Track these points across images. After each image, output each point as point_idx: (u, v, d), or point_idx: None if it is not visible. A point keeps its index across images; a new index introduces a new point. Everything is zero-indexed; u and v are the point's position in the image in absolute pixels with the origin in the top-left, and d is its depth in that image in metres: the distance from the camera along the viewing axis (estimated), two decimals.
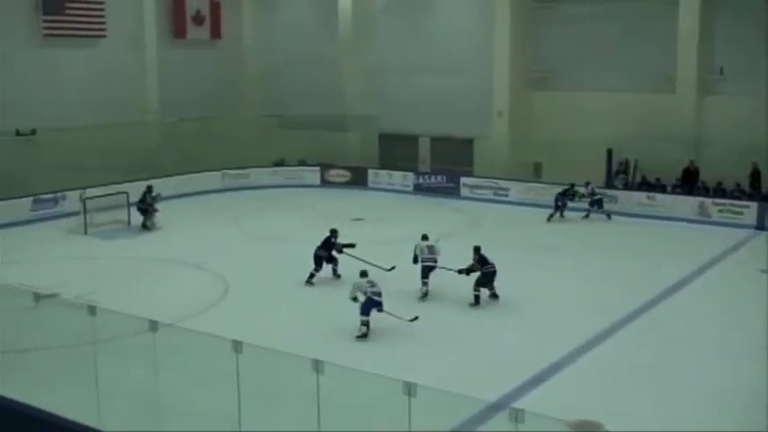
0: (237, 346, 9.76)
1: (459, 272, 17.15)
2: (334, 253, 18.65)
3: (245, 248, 22.66)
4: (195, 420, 11.10)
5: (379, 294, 14.82)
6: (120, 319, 11.44)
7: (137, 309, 12.00)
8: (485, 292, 16.94)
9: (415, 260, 17.74)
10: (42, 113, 27.58)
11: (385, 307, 14.78)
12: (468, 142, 31.68)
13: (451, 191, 30.28)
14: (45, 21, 29.42)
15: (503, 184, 29.22)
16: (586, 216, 25.84)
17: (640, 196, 26.69)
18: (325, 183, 32.60)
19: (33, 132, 26.67)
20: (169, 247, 22.42)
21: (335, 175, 32.74)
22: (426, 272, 17.46)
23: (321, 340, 14.41)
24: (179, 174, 29.98)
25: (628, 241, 23.25)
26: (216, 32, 35.69)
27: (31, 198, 26.00)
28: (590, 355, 14.02)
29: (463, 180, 30.28)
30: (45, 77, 28.74)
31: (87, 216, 24.12)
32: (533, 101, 30.68)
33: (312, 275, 18.41)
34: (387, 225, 25.44)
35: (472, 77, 31.14)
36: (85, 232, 23.96)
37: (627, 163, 28.18)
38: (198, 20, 35.04)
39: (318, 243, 18.57)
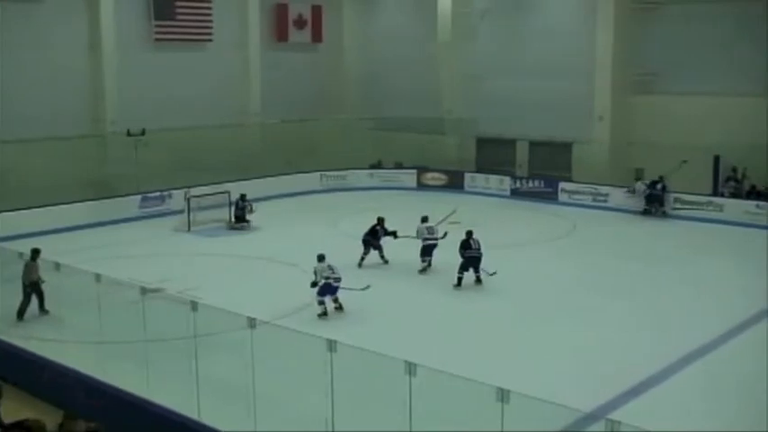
0: (332, 345, 9.90)
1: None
2: (382, 240, 20.47)
3: (341, 249, 22.78)
4: (289, 418, 11.33)
5: (338, 280, 16.47)
6: (220, 316, 11.74)
7: (235, 305, 12.28)
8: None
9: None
10: (152, 114, 28.55)
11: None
12: (567, 146, 31.19)
13: (549, 196, 29.90)
14: (157, 26, 30.55)
15: (602, 189, 28.67)
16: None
17: (749, 205, 25.73)
18: (421, 186, 32.68)
19: (143, 133, 27.60)
20: (268, 246, 22.90)
21: (432, 178, 32.77)
22: (428, 250, 19.73)
23: (415, 340, 14.45)
24: (279, 174, 30.63)
25: (734, 250, 22.45)
26: (317, 36, 36.28)
27: (139, 196, 27.04)
28: (692, 367, 13.63)
29: (561, 185, 29.86)
30: (155, 80, 29.79)
31: (191, 214, 24.90)
32: (635, 104, 29.92)
33: (362, 258, 20.46)
34: (483, 229, 25.15)
35: (573, 80, 30.65)
36: (189, 230, 24.73)
37: (736, 170, 27.18)
38: (300, 24, 35.69)
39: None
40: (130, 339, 13.12)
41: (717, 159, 27.04)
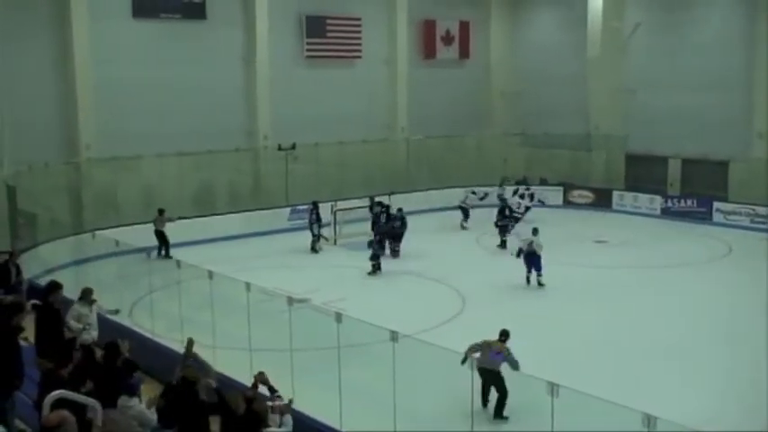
0: (473, 362, 9.90)
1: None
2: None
3: (484, 265, 22.84)
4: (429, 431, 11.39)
5: None
6: (363, 328, 11.95)
7: (379, 318, 12.47)
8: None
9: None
10: (302, 129, 29.48)
11: None
12: (723, 165, 29.75)
13: (703, 216, 28.71)
14: (308, 43, 31.49)
15: (761, 210, 27.22)
16: None
17: None
18: (567, 203, 32.11)
19: (293, 147, 28.50)
20: (411, 261, 23.10)
21: (578, 195, 32.16)
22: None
23: (558, 362, 14.20)
24: (424, 189, 30.85)
25: None
26: (464, 52, 36.37)
27: (288, 208, 27.88)
28: None
29: (716, 205, 28.62)
30: (305, 96, 30.67)
31: (337, 227, 25.44)
32: None
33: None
34: (632, 249, 24.62)
35: (730, 95, 29.25)
36: (335, 242, 25.27)
37: None
38: (447, 40, 35.89)
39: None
40: (277, 347, 13.55)
41: None
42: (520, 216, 26.64)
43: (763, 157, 28.52)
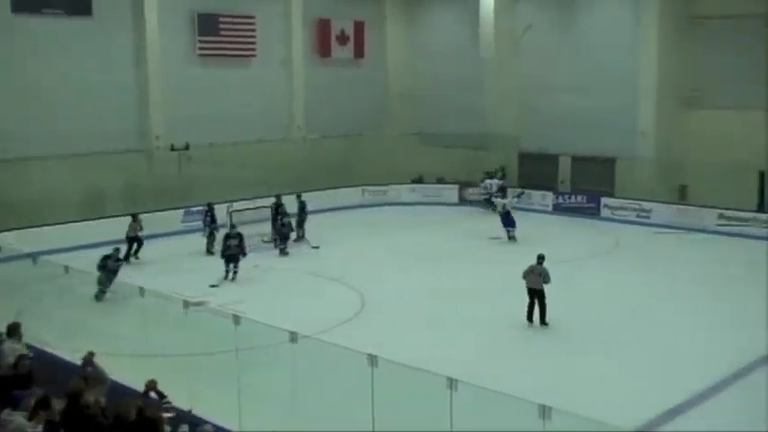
0: (373, 360, 9.91)
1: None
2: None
3: (382, 264, 22.94)
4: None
5: None
6: (262, 329, 11.82)
7: (277, 319, 12.37)
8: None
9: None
10: (196, 129, 28.91)
11: None
12: (610, 162, 30.75)
13: (591, 211, 29.67)
14: (200, 41, 30.90)
15: (645, 205, 28.35)
16: None
17: None
18: (463, 201, 32.59)
19: (187, 147, 27.93)
20: (310, 261, 23.02)
21: (474, 193, 32.65)
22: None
23: (456, 357, 14.39)
24: (322, 189, 30.74)
25: None
26: (359, 52, 36.45)
27: (182, 210, 27.28)
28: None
29: (604, 201, 29.63)
30: (199, 95, 30.09)
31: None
32: (681, 120, 29.53)
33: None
34: (525, 245, 25.13)
35: (617, 95, 30.15)
36: None
37: None
38: (342, 39, 35.89)
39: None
40: (174, 352, 13.26)
41: (762, 175, 26.61)
42: (494, 194, 30.03)
43: (647, 154, 29.70)
